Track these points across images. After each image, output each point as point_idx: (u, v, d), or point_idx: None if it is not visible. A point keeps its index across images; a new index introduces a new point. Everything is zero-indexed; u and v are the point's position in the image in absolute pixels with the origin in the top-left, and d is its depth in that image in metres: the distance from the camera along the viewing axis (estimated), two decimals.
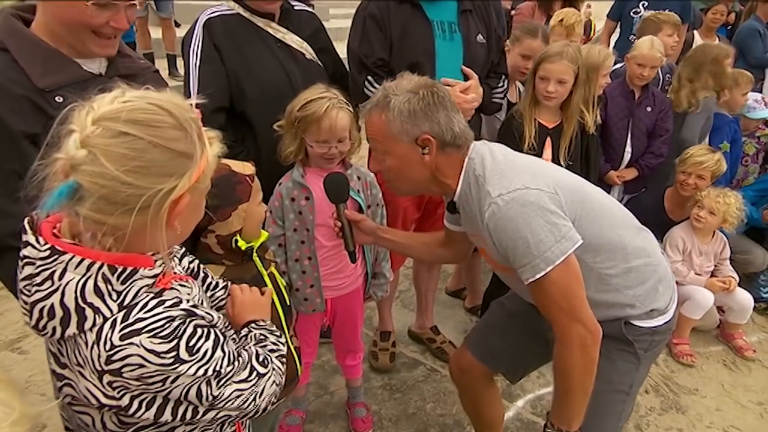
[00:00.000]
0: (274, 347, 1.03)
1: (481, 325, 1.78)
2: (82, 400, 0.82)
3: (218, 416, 0.89)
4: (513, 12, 3.95)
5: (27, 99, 1.06)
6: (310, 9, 1.95)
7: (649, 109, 2.72)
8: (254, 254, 1.25)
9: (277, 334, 1.06)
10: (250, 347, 0.99)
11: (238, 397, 0.89)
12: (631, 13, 3.81)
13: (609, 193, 2.33)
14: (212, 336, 0.84)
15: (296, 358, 1.36)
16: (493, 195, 1.22)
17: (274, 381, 0.97)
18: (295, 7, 1.86)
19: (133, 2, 1.12)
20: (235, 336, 1.03)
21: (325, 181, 1.54)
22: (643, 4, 3.78)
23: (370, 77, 1.87)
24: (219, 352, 0.85)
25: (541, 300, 1.24)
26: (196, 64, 1.71)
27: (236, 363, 0.89)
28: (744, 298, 2.66)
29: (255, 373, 0.93)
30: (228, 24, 1.73)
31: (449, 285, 3.03)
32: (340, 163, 1.66)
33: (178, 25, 5.26)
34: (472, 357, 1.66)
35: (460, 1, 1.94)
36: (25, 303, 0.79)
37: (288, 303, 1.34)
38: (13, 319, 2.57)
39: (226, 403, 0.88)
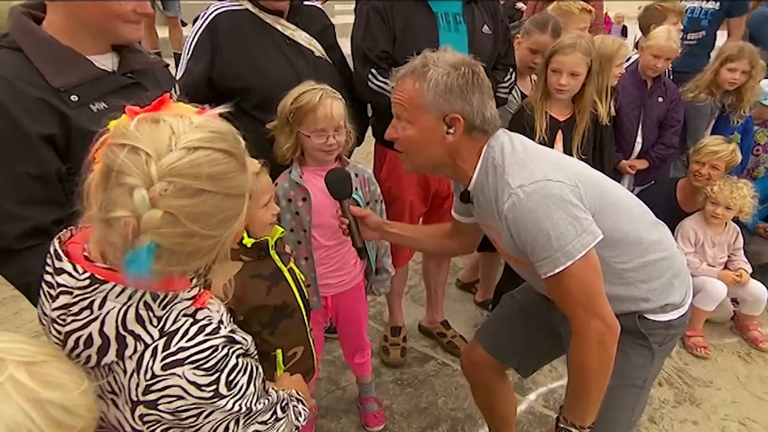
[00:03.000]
0: (301, 410, 1.04)
1: (493, 319, 1.77)
2: (108, 430, 0.81)
3: None
4: (519, 4, 3.90)
5: (42, 100, 1.06)
6: (318, 4, 1.94)
7: (660, 99, 2.69)
8: (272, 250, 1.24)
9: (306, 406, 1.08)
10: (280, 391, 0.99)
11: None
12: None
13: (619, 183, 2.31)
14: (248, 369, 0.84)
15: (313, 351, 1.36)
16: (513, 186, 1.18)
17: (286, 425, 0.97)
18: (304, 3, 1.85)
19: None
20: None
21: (326, 179, 1.51)
22: None
23: (373, 70, 1.86)
24: (252, 388, 0.84)
25: (559, 294, 1.22)
26: (186, 57, 1.75)
27: (264, 401, 0.89)
28: (758, 289, 2.62)
29: (274, 417, 0.93)
30: (235, 21, 1.72)
31: (462, 276, 3.02)
32: (336, 159, 1.65)
33: (184, 24, 5.27)
34: (484, 351, 1.65)
35: None
36: (59, 333, 0.76)
37: (307, 297, 1.34)
38: (26, 319, 2.60)
39: None
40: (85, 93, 1.11)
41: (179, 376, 0.74)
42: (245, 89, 1.72)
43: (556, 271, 1.17)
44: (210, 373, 0.76)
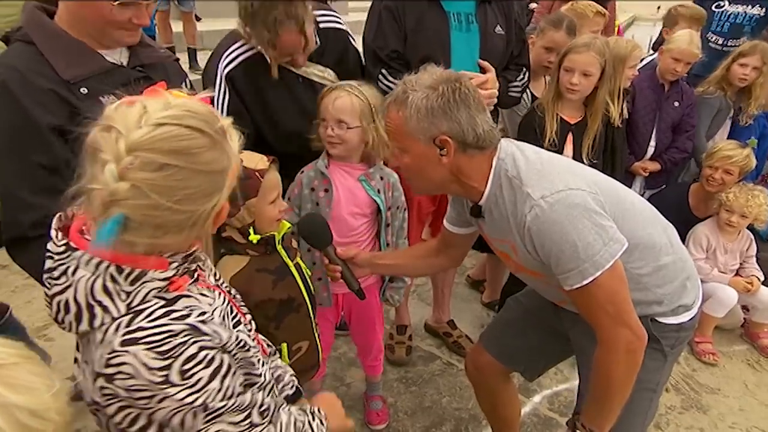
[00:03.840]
0: (314, 427, 1.00)
1: (497, 323, 1.76)
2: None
3: None
4: (532, 5, 3.86)
5: (53, 91, 1.08)
6: (338, 23, 1.84)
7: (676, 103, 2.66)
8: (278, 245, 1.25)
9: (323, 426, 1.03)
10: (259, 395, 0.91)
11: None
12: (713, 8, 3.45)
13: (630, 187, 2.29)
14: (214, 364, 0.80)
15: (318, 345, 1.37)
16: (535, 197, 1.15)
17: None
18: (321, 24, 1.75)
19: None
20: (258, 359, 0.95)
21: (300, 230, 1.45)
22: None
23: (384, 70, 1.86)
24: (215, 384, 0.80)
25: (586, 305, 1.20)
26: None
27: (231, 401, 0.84)
28: None
29: (248, 421, 0.87)
30: (248, 71, 1.67)
31: (472, 273, 3.03)
32: (363, 161, 1.66)
33: (198, 19, 5.30)
34: (489, 356, 1.64)
35: None
36: (47, 296, 0.81)
37: (313, 292, 1.34)
38: (39, 307, 2.63)
39: None
40: (95, 86, 1.12)
41: (133, 354, 0.75)
42: (259, 134, 1.73)
43: (584, 282, 1.14)
44: (162, 357, 0.75)
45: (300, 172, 1.66)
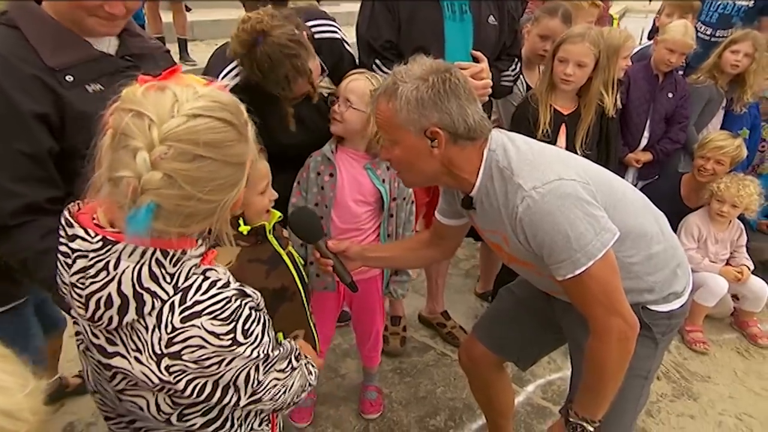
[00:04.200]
0: (311, 369, 1.11)
1: (490, 314, 1.76)
2: (137, 385, 0.84)
3: (254, 408, 0.93)
4: None
5: (37, 78, 1.05)
6: (333, 32, 1.83)
7: (670, 95, 2.66)
8: (269, 234, 1.25)
9: (315, 367, 1.14)
10: (293, 342, 1.05)
11: (274, 386, 0.94)
12: None
13: (623, 177, 2.30)
14: (261, 320, 0.88)
15: (314, 334, 1.37)
16: (526, 188, 1.15)
17: (301, 377, 1.03)
18: (317, 35, 1.74)
19: None
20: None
21: (291, 226, 1.45)
22: None
23: (378, 60, 1.85)
24: (266, 337, 0.88)
25: (579, 295, 1.20)
26: None
27: (279, 350, 0.94)
28: (759, 286, 2.62)
29: (290, 366, 0.99)
30: (244, 91, 1.60)
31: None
32: (366, 151, 1.66)
33: (188, 9, 5.24)
34: (483, 347, 1.65)
35: None
36: (80, 296, 0.79)
37: (306, 281, 1.34)
38: None
39: (264, 392, 0.92)
40: (81, 74, 1.10)
41: (198, 326, 0.78)
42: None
43: (577, 272, 1.14)
44: (227, 322, 0.80)
45: (309, 156, 1.69)
